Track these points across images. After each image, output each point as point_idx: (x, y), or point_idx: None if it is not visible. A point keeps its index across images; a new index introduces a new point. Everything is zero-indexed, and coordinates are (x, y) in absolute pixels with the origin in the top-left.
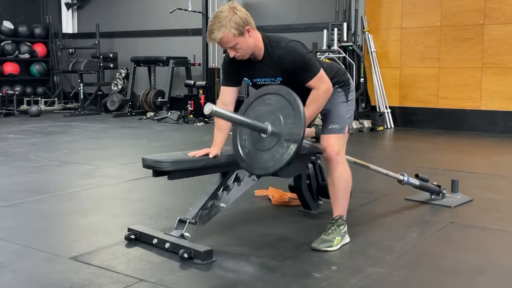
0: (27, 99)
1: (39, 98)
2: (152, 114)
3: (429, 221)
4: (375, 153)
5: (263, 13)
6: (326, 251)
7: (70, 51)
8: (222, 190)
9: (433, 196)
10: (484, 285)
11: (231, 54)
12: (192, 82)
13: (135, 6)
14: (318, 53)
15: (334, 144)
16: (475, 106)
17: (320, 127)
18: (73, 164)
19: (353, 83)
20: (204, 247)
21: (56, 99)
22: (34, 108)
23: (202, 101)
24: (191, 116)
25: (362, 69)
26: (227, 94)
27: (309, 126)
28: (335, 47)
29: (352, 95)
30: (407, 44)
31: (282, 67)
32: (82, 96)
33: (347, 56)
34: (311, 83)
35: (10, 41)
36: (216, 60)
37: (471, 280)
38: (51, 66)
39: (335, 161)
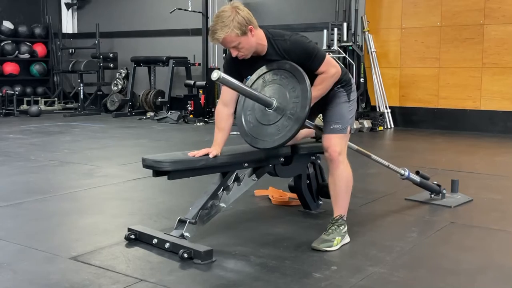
0: (27, 99)
1: (39, 98)
2: (152, 114)
3: (429, 221)
4: (375, 153)
5: (263, 13)
6: (326, 251)
7: (70, 51)
8: (222, 190)
9: (433, 196)
10: (485, 285)
11: (234, 53)
12: (192, 82)
13: (135, 6)
14: None
15: (336, 144)
16: (475, 106)
17: (321, 128)
18: (73, 164)
19: (354, 83)
20: (204, 247)
21: (56, 99)
22: (34, 108)
23: (202, 101)
24: (191, 116)
25: (362, 69)
26: (228, 94)
27: (308, 127)
28: (335, 47)
29: (354, 95)
30: (407, 44)
31: (289, 59)
32: (82, 96)
33: (347, 56)
34: (321, 69)
35: (10, 41)
36: (216, 60)
37: (472, 280)
38: (51, 66)
39: (337, 161)
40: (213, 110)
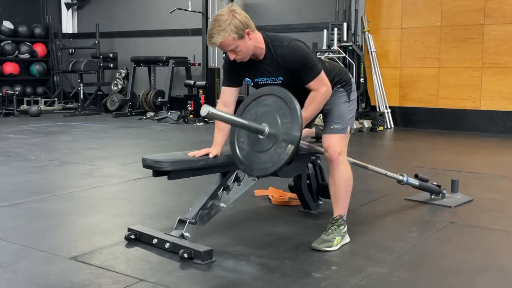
0: (27, 99)
1: (39, 98)
2: (152, 114)
3: (429, 221)
4: (375, 153)
5: (263, 13)
6: (326, 251)
7: (70, 51)
8: (222, 190)
9: (433, 196)
10: (485, 285)
11: (231, 57)
12: (192, 82)
13: (135, 6)
14: (318, 53)
15: (336, 144)
16: (475, 106)
17: (321, 127)
18: (73, 164)
19: (354, 83)
20: (204, 247)
21: (56, 99)
22: (34, 108)
23: (202, 101)
24: (191, 116)
25: (362, 69)
26: (228, 95)
27: (309, 126)
28: (335, 47)
29: (354, 95)
30: (407, 44)
31: (284, 66)
32: (82, 96)
33: (347, 56)
34: (312, 84)
35: (10, 41)
36: (216, 60)
37: (472, 280)
38: (51, 66)
39: (337, 161)
40: None
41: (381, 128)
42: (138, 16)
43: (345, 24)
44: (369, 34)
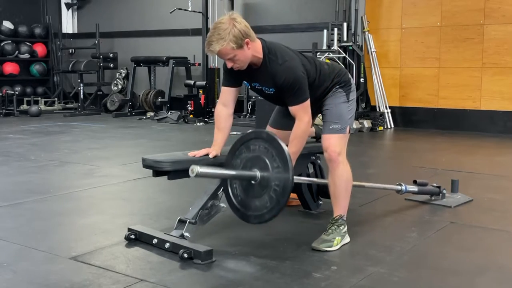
0: (27, 99)
1: (39, 98)
2: (152, 114)
3: (429, 221)
4: (375, 153)
5: (263, 13)
6: (326, 251)
7: (70, 51)
8: (222, 190)
9: (433, 197)
10: (485, 285)
11: (229, 65)
12: (192, 82)
13: (135, 6)
14: (318, 53)
15: (335, 144)
16: (475, 106)
17: (321, 127)
18: (73, 164)
19: (354, 83)
20: (204, 247)
21: (56, 99)
22: (34, 108)
23: (202, 101)
24: (191, 116)
25: (362, 69)
26: (228, 95)
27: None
28: (335, 47)
29: (353, 95)
30: (407, 44)
31: (274, 82)
32: (82, 96)
33: (347, 56)
34: (295, 108)
35: (10, 41)
36: (216, 60)
37: (472, 280)
38: (51, 66)
39: (336, 161)
40: (213, 110)
41: (381, 128)
42: (138, 16)
43: (345, 24)
44: (369, 34)
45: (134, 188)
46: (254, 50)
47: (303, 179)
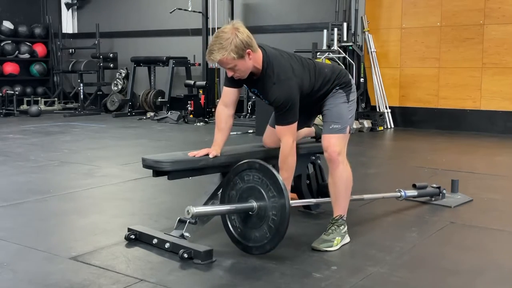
0: (27, 99)
1: (39, 98)
2: (152, 114)
3: (429, 221)
4: (375, 153)
5: (263, 13)
6: (326, 251)
7: (70, 51)
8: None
9: (433, 197)
10: (484, 285)
11: (229, 74)
12: (192, 82)
13: (135, 6)
14: (318, 53)
15: (335, 144)
16: (475, 106)
17: (321, 127)
18: (73, 164)
19: (354, 84)
20: (204, 247)
21: (56, 99)
22: (34, 108)
23: (202, 101)
24: (191, 116)
25: (362, 69)
26: (229, 95)
27: (308, 126)
28: (335, 47)
29: (353, 95)
30: (407, 44)
31: (267, 95)
32: (82, 96)
33: (347, 56)
34: (281, 129)
35: (10, 41)
36: None
37: (471, 280)
38: (51, 66)
39: (336, 161)
40: (213, 110)
41: (381, 128)
42: (138, 16)
43: (345, 24)
44: (369, 34)
45: (134, 188)
46: (255, 61)
47: (299, 201)
